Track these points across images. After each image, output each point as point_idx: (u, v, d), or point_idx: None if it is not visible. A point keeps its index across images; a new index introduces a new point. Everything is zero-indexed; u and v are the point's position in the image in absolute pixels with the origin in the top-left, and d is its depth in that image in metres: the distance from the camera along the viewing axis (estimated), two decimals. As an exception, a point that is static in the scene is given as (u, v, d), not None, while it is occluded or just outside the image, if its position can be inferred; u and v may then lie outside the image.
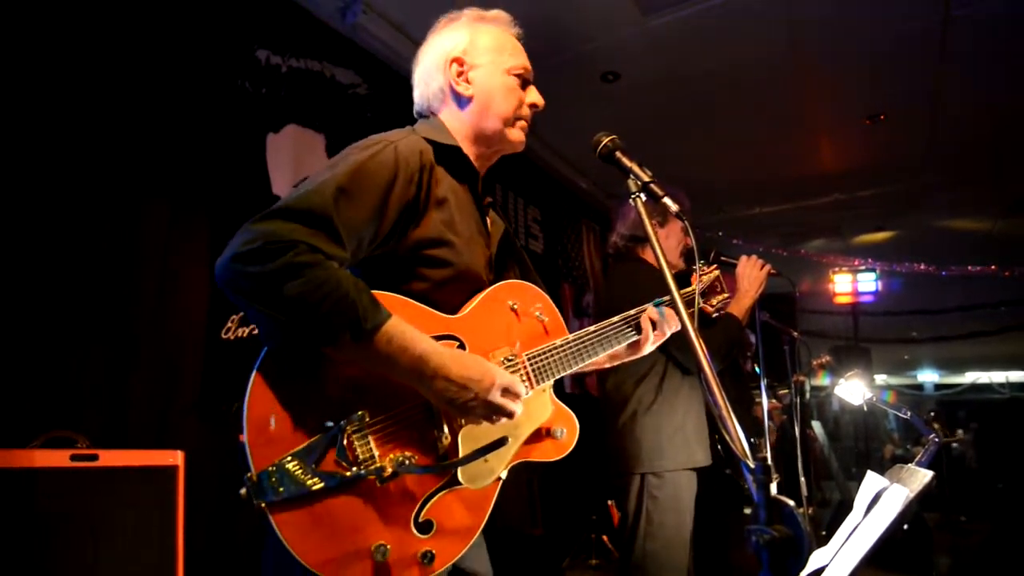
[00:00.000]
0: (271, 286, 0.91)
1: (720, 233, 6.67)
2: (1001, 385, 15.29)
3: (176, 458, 1.91)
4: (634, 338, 1.42)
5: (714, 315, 1.73)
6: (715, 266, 1.79)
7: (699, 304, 1.65)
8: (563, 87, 3.97)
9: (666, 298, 1.47)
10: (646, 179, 1.25)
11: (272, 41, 2.99)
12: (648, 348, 1.48)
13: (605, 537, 4.71)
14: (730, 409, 1.02)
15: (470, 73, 1.30)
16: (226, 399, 2.54)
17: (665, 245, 2.40)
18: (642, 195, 1.25)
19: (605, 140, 1.31)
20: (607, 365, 1.53)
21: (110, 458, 1.76)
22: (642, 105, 4.36)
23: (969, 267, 6.68)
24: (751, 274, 2.35)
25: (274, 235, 0.93)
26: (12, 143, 2.03)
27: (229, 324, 2.63)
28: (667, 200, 1.21)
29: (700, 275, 1.69)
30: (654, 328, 1.44)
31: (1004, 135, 4.75)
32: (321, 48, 3.25)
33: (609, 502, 4.73)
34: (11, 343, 1.97)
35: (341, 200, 1.01)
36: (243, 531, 2.57)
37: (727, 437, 1.02)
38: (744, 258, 2.37)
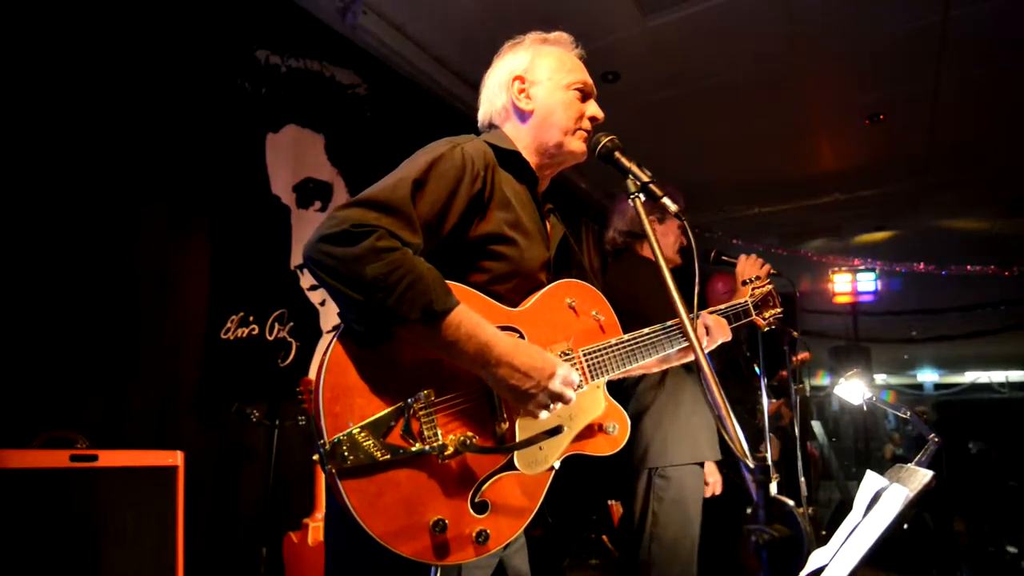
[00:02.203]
0: (353, 266, 0.99)
1: (720, 233, 6.68)
2: (1001, 385, 15.30)
3: (176, 458, 1.91)
4: (685, 344, 1.43)
5: (766, 328, 1.78)
6: (769, 280, 1.83)
7: (753, 315, 1.72)
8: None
9: (718, 307, 1.59)
10: (645, 179, 1.25)
11: (272, 41, 3.00)
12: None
13: (605, 537, 4.71)
14: (730, 409, 1.03)
15: (531, 90, 1.36)
16: (225, 399, 2.54)
17: (662, 242, 2.41)
18: (641, 195, 1.26)
19: (604, 140, 1.32)
20: (655, 369, 1.56)
21: (110, 458, 1.76)
22: (642, 105, 4.36)
23: (969, 267, 6.67)
24: (751, 273, 2.36)
25: (359, 220, 1.01)
26: (14, 143, 2.04)
27: (228, 324, 2.64)
28: (666, 200, 1.22)
29: (753, 288, 1.76)
30: (707, 334, 1.51)
31: (1004, 135, 4.75)
32: (321, 48, 3.25)
33: (609, 502, 4.73)
34: (12, 344, 1.97)
35: (417, 193, 1.10)
36: (243, 531, 2.58)
37: (726, 437, 1.03)
38: (743, 257, 2.38)
